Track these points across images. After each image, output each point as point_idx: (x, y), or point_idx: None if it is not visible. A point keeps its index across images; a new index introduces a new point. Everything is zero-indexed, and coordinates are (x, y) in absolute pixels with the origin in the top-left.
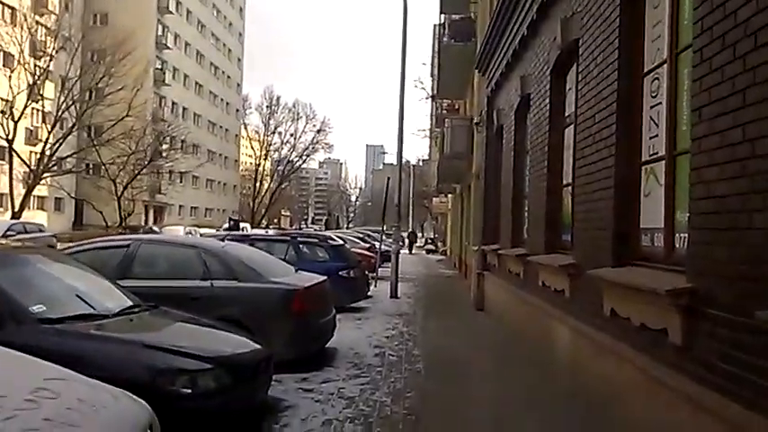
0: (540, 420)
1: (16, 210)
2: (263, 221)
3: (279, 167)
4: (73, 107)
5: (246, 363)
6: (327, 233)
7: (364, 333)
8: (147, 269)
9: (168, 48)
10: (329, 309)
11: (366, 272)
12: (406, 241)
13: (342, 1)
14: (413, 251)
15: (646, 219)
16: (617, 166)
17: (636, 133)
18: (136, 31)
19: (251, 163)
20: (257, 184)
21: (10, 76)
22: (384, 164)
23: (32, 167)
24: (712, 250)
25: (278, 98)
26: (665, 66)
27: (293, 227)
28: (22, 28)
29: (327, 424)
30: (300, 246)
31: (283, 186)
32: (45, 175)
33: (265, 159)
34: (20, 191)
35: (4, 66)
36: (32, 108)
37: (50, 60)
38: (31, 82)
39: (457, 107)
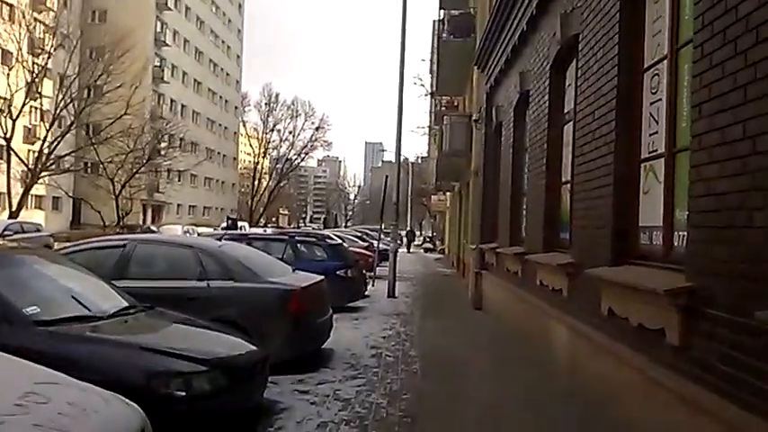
0: (537, 420)
1: (14, 209)
2: (262, 220)
3: (277, 165)
4: (71, 105)
5: (242, 364)
6: (326, 232)
7: (361, 333)
8: (143, 269)
9: (167, 45)
10: (326, 309)
11: (364, 271)
12: (405, 240)
13: None
14: (411, 250)
15: (645, 217)
16: (616, 164)
17: (635, 130)
18: (134, 29)
19: (249, 161)
20: (256, 183)
21: (8, 74)
22: (383, 161)
23: (30, 166)
24: (712, 249)
25: (277, 95)
26: (666, 61)
27: (291, 225)
28: (20, 25)
29: (323, 426)
30: (298, 245)
31: (282, 185)
32: (43, 173)
33: (264, 157)
34: (17, 190)
35: (2, 63)
36: (30, 106)
37: (49, 58)
38: (29, 80)
39: (456, 104)
